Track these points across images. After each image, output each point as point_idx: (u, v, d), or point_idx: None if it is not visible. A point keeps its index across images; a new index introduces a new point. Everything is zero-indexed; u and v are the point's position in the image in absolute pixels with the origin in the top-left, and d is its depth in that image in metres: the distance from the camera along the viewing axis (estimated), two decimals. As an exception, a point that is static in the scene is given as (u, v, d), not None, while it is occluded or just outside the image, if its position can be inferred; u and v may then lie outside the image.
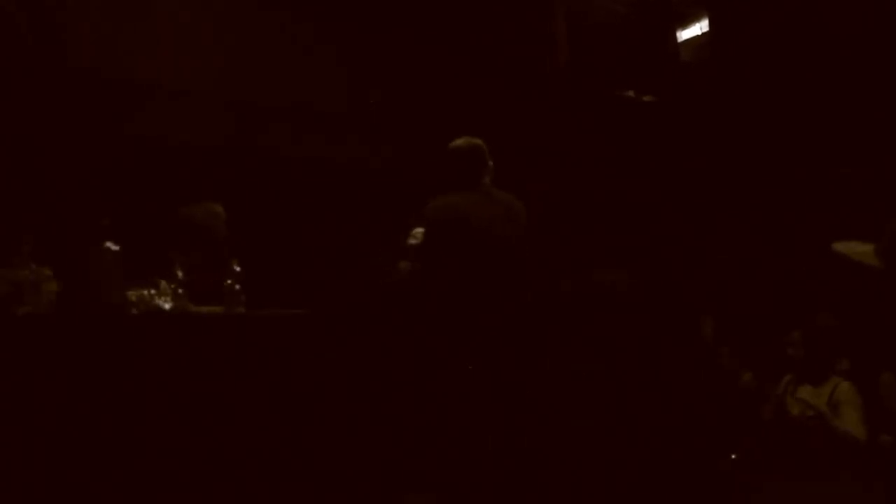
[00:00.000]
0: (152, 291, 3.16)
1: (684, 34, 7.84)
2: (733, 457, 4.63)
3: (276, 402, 3.01)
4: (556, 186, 7.16)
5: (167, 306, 3.17)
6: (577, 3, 7.84)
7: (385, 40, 6.43)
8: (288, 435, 3.01)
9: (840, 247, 3.06)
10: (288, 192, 5.63)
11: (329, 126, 6.02)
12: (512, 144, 7.00)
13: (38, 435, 2.47)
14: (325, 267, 5.51)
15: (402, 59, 6.57)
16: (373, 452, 3.22)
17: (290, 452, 3.01)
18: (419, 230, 3.60)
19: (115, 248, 2.79)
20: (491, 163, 3.68)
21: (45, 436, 2.47)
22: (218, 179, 4.89)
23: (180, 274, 3.30)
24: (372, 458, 3.21)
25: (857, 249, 3.01)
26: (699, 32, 7.75)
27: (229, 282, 3.40)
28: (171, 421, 2.76)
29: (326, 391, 3.15)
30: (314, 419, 3.08)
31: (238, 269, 3.38)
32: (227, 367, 2.97)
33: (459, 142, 3.68)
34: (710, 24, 7.69)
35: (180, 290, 3.24)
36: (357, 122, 6.20)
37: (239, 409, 2.94)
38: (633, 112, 7.78)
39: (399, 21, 6.56)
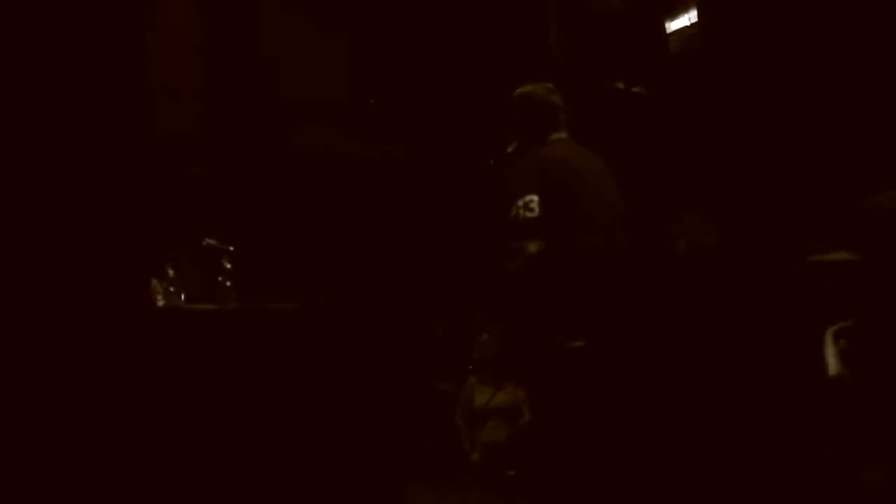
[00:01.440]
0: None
1: (673, 25, 7.86)
2: None
3: (269, 397, 3.04)
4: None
5: (160, 304, 3.21)
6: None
7: (380, 32, 6.44)
8: (286, 431, 3.03)
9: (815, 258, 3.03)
10: (293, 185, 5.66)
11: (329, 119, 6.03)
12: (502, 133, 7.04)
13: (33, 434, 2.50)
14: (322, 260, 5.54)
15: (399, 51, 6.59)
16: (378, 447, 3.24)
17: (288, 448, 3.04)
18: (532, 198, 2.78)
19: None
20: (566, 113, 3.14)
21: (35, 435, 2.50)
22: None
23: (171, 272, 3.34)
24: (377, 453, 3.23)
25: (831, 256, 2.98)
26: (688, 23, 7.77)
27: (220, 279, 3.44)
28: (164, 417, 2.79)
29: (320, 387, 3.17)
30: (308, 415, 3.10)
31: (229, 265, 3.42)
32: (220, 362, 2.99)
33: (534, 87, 3.14)
34: (699, 15, 7.71)
35: (171, 288, 3.28)
36: (354, 116, 6.21)
37: (233, 404, 2.97)
38: (622, 103, 7.81)
39: (394, 14, 6.59)
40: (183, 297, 3.32)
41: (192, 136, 5.43)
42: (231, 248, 3.32)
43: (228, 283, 3.45)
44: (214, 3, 5.68)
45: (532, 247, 2.73)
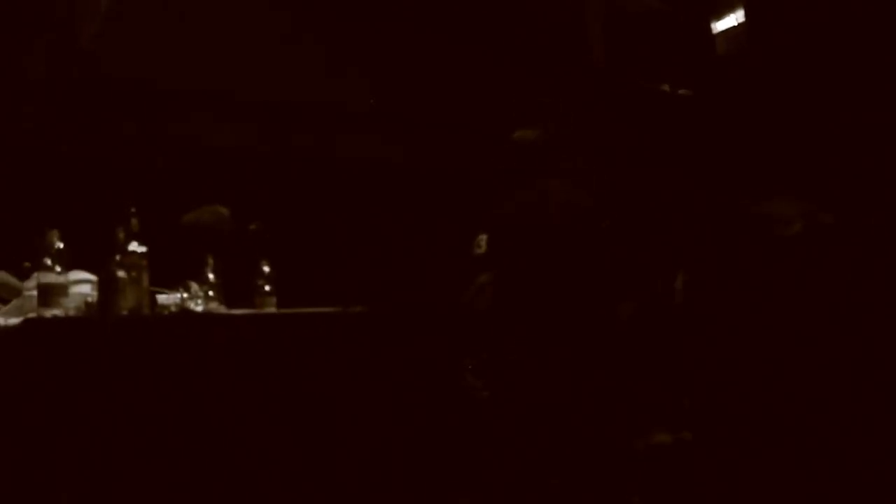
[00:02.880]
0: (184, 294, 3.18)
1: (719, 25, 7.71)
2: None
3: (306, 401, 3.00)
4: (592, 183, 7.10)
5: (199, 308, 3.19)
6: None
7: (416, 39, 6.42)
8: (319, 434, 3.00)
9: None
10: (320, 191, 5.65)
11: (361, 125, 6.03)
12: (547, 142, 6.98)
13: (70, 437, 2.48)
14: (361, 267, 5.51)
15: (436, 57, 6.57)
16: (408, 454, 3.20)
17: (322, 452, 3.01)
18: (483, 237, 3.45)
19: (141, 249, 2.80)
20: (549, 156, 3.60)
21: (74, 438, 2.48)
22: (250, 180, 4.92)
23: (211, 276, 3.32)
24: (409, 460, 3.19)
25: None
26: (735, 23, 7.61)
27: (260, 283, 3.43)
28: (203, 420, 2.77)
29: (358, 391, 3.14)
30: (346, 418, 3.07)
31: (268, 269, 3.39)
32: (257, 366, 2.97)
33: (522, 133, 3.64)
34: (746, 15, 7.55)
35: (211, 293, 3.26)
36: (390, 121, 6.20)
37: (270, 407, 2.94)
38: (668, 106, 7.68)
39: (430, 19, 6.56)
40: (222, 301, 3.29)
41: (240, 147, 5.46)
42: (267, 234, 3.38)
43: (268, 288, 3.44)
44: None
45: (483, 278, 3.32)
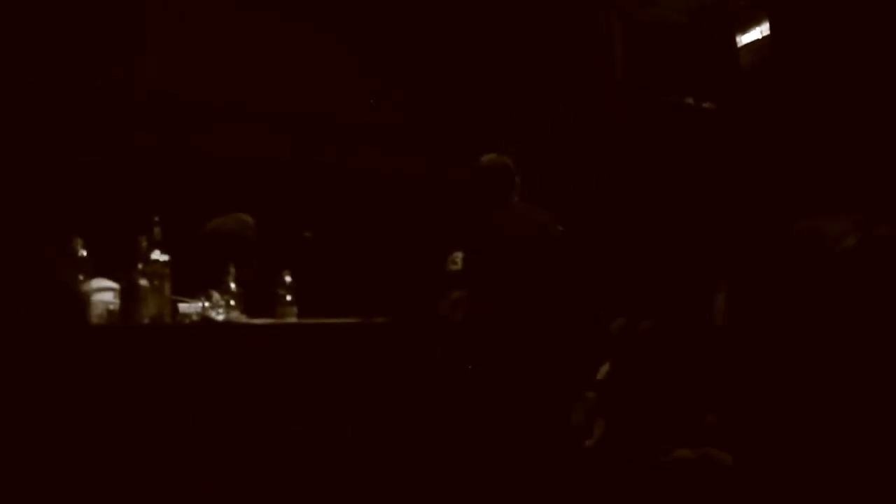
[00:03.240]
0: (206, 303, 3.18)
1: (744, 38, 7.67)
2: None
3: (326, 409, 3.00)
4: (614, 196, 7.07)
5: (220, 317, 3.18)
6: (634, 11, 7.76)
7: (439, 53, 6.44)
8: (337, 443, 2.99)
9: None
10: (344, 204, 5.67)
11: (383, 138, 6.05)
12: (569, 155, 6.97)
13: (91, 443, 2.48)
14: (381, 278, 5.52)
15: (457, 71, 6.58)
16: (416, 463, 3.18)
17: (341, 460, 3.00)
18: (458, 255, 3.58)
19: (164, 258, 2.80)
20: (518, 179, 3.69)
21: (95, 445, 2.49)
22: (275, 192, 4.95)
23: (233, 286, 3.31)
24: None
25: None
26: (759, 36, 7.57)
27: (281, 292, 3.42)
28: (223, 429, 2.77)
29: (377, 401, 3.13)
30: (364, 428, 3.05)
31: (289, 279, 3.39)
32: (278, 375, 2.97)
33: (487, 158, 3.73)
34: (771, 28, 7.51)
35: (232, 302, 3.25)
36: (413, 135, 6.22)
37: (290, 415, 2.94)
38: (692, 119, 7.65)
39: (452, 33, 6.58)
40: (243, 310, 3.29)
41: (257, 157, 5.49)
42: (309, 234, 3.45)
43: (289, 298, 3.43)
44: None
45: (455, 295, 3.49)
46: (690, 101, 7.71)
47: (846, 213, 3.75)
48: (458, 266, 3.55)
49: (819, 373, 3.37)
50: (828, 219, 3.77)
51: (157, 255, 2.79)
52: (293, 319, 3.34)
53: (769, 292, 3.80)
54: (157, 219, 2.83)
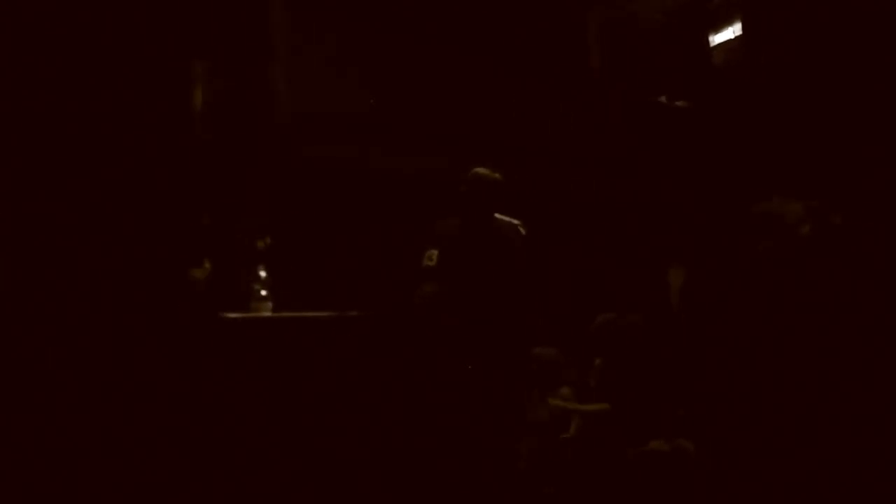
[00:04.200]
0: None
1: (717, 38, 7.78)
2: None
3: (301, 401, 3.04)
4: (587, 191, 7.14)
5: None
6: (610, 8, 7.84)
7: (413, 45, 6.48)
8: (313, 434, 3.03)
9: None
10: (326, 198, 5.70)
11: (358, 133, 6.08)
12: (544, 149, 7.04)
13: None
14: (358, 271, 5.55)
15: (435, 65, 6.62)
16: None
17: (318, 451, 3.04)
18: (434, 252, 3.83)
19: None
20: (503, 197, 3.92)
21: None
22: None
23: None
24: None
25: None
26: (732, 36, 7.68)
27: (256, 287, 3.46)
28: (199, 423, 2.80)
29: (348, 392, 3.17)
30: (342, 419, 3.10)
31: (264, 274, 3.43)
32: (253, 370, 3.00)
33: (482, 172, 3.94)
34: (743, 28, 7.62)
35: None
36: (386, 129, 6.25)
37: (266, 408, 2.98)
38: (665, 117, 7.73)
39: (432, 30, 6.62)
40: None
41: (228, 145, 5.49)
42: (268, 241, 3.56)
43: (263, 293, 3.46)
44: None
45: (428, 287, 3.72)
46: (664, 99, 7.79)
47: (801, 199, 3.84)
48: (433, 262, 3.78)
49: (775, 355, 3.46)
50: (784, 203, 3.85)
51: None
52: (268, 313, 3.38)
53: (726, 273, 3.90)
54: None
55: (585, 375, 4.75)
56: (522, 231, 3.96)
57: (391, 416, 3.29)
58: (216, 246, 3.69)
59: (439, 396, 3.47)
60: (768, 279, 3.58)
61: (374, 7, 6.36)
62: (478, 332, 3.69)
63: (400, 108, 6.35)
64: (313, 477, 3.04)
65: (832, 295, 3.52)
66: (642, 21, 7.85)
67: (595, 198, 7.20)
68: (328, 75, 5.94)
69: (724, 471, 3.62)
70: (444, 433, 3.45)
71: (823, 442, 3.36)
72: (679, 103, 7.76)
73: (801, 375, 3.43)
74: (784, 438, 3.45)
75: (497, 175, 3.95)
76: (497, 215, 3.95)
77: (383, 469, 3.22)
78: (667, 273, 5.97)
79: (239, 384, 2.96)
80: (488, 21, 7.01)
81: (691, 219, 7.23)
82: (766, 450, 3.47)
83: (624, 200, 7.32)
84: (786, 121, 7.32)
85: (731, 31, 7.64)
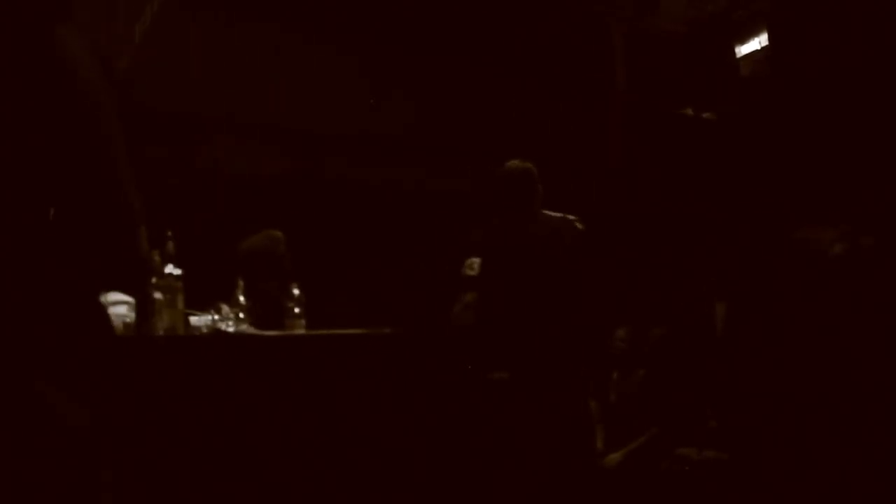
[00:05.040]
0: (215, 316, 3.24)
1: (743, 49, 7.75)
2: None
3: (334, 419, 3.05)
4: (615, 206, 7.13)
5: (230, 330, 3.25)
6: (635, 22, 7.84)
7: (441, 63, 6.51)
8: (345, 453, 3.04)
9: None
10: (348, 216, 5.74)
11: (388, 151, 6.12)
12: (570, 165, 7.04)
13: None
14: (388, 289, 5.57)
15: (459, 82, 6.65)
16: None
17: (349, 469, 3.05)
18: (475, 260, 3.54)
19: (177, 272, 2.87)
20: (540, 187, 3.61)
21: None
22: (280, 206, 5.02)
23: (242, 299, 3.38)
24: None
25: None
26: (758, 47, 7.65)
27: (290, 305, 3.48)
28: (233, 441, 2.82)
29: (385, 410, 3.18)
30: (371, 435, 3.11)
31: (297, 292, 3.45)
32: (288, 387, 3.02)
33: (511, 164, 3.65)
34: (770, 39, 7.58)
35: (241, 315, 3.32)
36: (417, 147, 6.29)
37: (299, 426, 2.99)
38: (692, 130, 7.71)
39: (455, 44, 6.66)
40: (251, 322, 3.36)
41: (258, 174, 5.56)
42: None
43: (297, 310, 3.49)
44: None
45: (469, 297, 3.48)
46: (690, 111, 7.77)
47: (835, 223, 3.86)
48: (475, 272, 3.52)
49: (811, 375, 3.46)
50: (818, 229, 3.88)
51: (170, 269, 2.86)
52: (301, 331, 3.41)
53: (765, 301, 3.89)
54: (170, 234, 2.90)
55: (606, 388, 4.74)
56: (579, 226, 3.54)
57: (426, 439, 3.28)
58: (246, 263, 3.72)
59: (477, 412, 3.44)
60: (803, 299, 3.58)
61: (398, 23, 6.41)
62: (528, 347, 3.35)
63: (426, 125, 6.39)
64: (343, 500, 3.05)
65: (864, 311, 3.53)
66: (667, 33, 7.84)
67: (620, 210, 7.18)
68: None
69: (758, 483, 3.60)
70: (486, 462, 3.41)
71: (856, 460, 3.36)
72: (706, 115, 7.74)
73: (835, 391, 3.44)
74: (817, 455, 3.44)
75: (530, 165, 3.63)
76: (546, 211, 3.57)
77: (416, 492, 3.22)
78: (713, 305, 5.92)
79: (272, 401, 2.98)
80: (512, 36, 7.04)
81: (721, 233, 7.19)
82: (802, 465, 3.46)
83: (652, 213, 7.30)
84: (814, 132, 7.26)
85: (758, 42, 7.61)
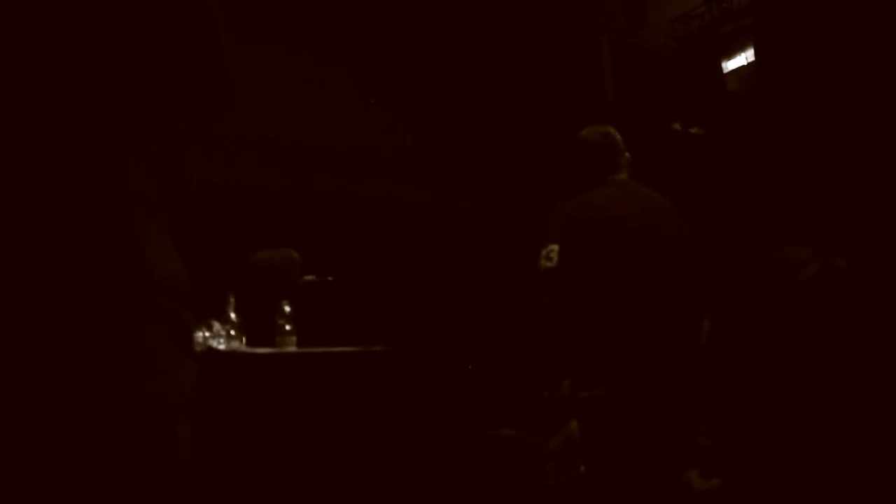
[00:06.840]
0: (206, 333, 3.24)
1: (730, 64, 7.81)
2: None
3: (324, 438, 3.05)
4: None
5: (221, 347, 3.25)
6: (623, 37, 7.89)
7: (429, 78, 6.54)
8: (337, 468, 3.04)
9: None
10: (347, 231, 5.74)
11: (385, 166, 6.13)
12: (559, 179, 7.06)
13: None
14: (380, 303, 5.57)
15: (449, 97, 6.68)
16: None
17: (341, 485, 3.05)
18: (553, 248, 2.66)
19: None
20: (627, 154, 2.98)
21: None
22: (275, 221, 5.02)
23: (233, 316, 3.38)
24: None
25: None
26: (745, 62, 7.71)
27: (281, 322, 3.49)
28: (225, 457, 2.82)
29: (377, 428, 3.18)
30: (366, 455, 3.11)
31: (288, 309, 3.46)
32: (279, 405, 3.02)
33: (589, 131, 3.04)
34: (756, 54, 7.65)
35: (233, 332, 3.32)
36: (412, 162, 6.30)
37: (291, 446, 2.99)
38: (680, 144, 7.76)
39: (445, 60, 6.68)
40: (244, 340, 3.36)
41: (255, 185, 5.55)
42: (330, 279, 3.40)
43: (288, 327, 3.49)
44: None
45: (544, 299, 2.64)
46: (678, 126, 7.82)
47: (810, 244, 3.94)
48: (553, 263, 2.63)
49: (788, 388, 3.50)
50: (795, 249, 3.93)
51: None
52: (293, 348, 3.41)
53: (745, 316, 3.92)
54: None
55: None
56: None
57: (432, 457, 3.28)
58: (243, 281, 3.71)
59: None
60: (780, 316, 3.63)
61: (391, 44, 6.44)
62: (643, 360, 2.63)
63: (421, 142, 6.41)
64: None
65: (836, 329, 3.58)
66: (655, 48, 7.90)
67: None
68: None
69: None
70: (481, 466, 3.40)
71: (837, 468, 3.40)
72: (693, 130, 7.78)
73: (813, 405, 3.48)
74: (804, 467, 3.48)
75: (610, 129, 2.99)
76: (637, 185, 2.89)
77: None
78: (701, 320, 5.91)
79: (265, 419, 2.97)
80: (501, 51, 7.08)
81: (708, 248, 7.22)
82: (788, 479, 3.49)
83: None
84: (801, 147, 7.33)
85: (745, 58, 7.66)
